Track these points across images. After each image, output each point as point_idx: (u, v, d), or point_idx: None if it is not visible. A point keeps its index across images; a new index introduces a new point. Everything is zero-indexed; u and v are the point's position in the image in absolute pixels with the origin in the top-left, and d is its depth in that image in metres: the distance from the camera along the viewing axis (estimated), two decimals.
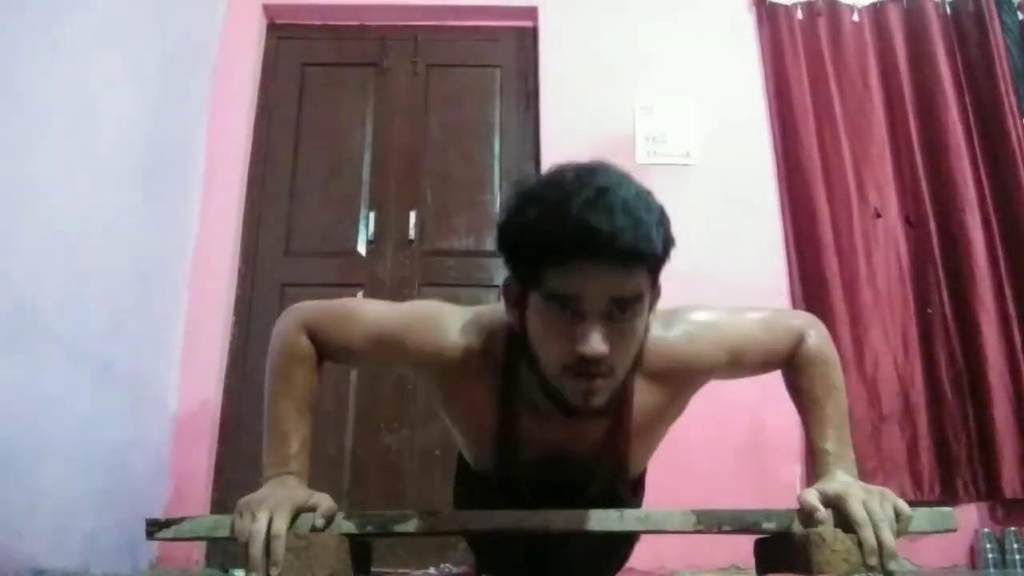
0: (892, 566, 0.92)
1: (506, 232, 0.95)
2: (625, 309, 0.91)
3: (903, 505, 0.96)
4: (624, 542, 1.35)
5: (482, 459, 1.19)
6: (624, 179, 0.92)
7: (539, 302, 0.93)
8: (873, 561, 0.91)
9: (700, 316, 1.14)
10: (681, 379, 1.12)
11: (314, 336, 1.13)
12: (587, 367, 0.91)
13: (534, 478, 1.13)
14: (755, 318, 1.19)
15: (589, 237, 0.86)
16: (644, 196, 0.92)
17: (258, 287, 2.84)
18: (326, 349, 1.14)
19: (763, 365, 1.19)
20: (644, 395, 1.09)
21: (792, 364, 1.17)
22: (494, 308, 1.11)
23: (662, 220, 0.92)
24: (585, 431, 1.09)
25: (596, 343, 0.89)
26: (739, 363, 1.15)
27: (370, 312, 1.15)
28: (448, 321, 1.10)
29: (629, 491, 1.21)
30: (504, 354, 1.07)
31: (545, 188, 0.92)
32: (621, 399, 1.07)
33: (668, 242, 0.94)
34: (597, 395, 0.94)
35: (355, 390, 2.71)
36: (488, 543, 1.36)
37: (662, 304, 1.08)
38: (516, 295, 0.98)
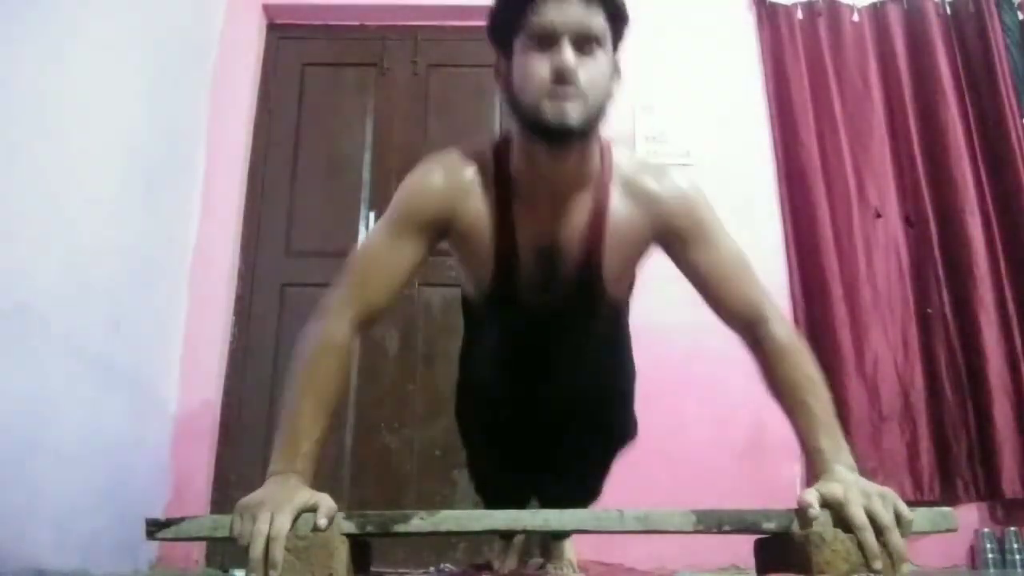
0: (904, 569, 0.91)
1: (493, 6, 1.16)
2: (591, 43, 1.10)
3: (903, 508, 0.95)
4: (604, 412, 1.41)
5: (482, 275, 1.26)
6: None
7: (522, 43, 1.12)
8: (878, 565, 0.91)
9: (688, 179, 1.25)
10: (645, 213, 1.22)
11: (354, 298, 1.16)
12: (562, 81, 1.07)
13: (528, 283, 1.24)
14: (735, 245, 1.24)
15: None
16: None
17: (258, 287, 2.84)
18: (373, 293, 1.18)
19: (715, 283, 1.21)
20: (616, 204, 1.21)
21: (763, 348, 1.15)
22: (475, 138, 1.30)
23: None
24: (569, 218, 1.20)
25: (569, 57, 1.07)
26: (694, 247, 1.21)
27: (372, 232, 1.25)
28: (435, 163, 1.24)
29: (607, 303, 1.29)
30: (492, 154, 1.22)
31: None
32: (599, 193, 1.20)
33: (625, 6, 1.15)
34: (570, 106, 1.08)
35: (355, 390, 2.71)
36: (489, 429, 1.46)
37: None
38: (504, 66, 1.17)
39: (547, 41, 1.09)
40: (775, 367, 1.14)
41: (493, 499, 1.61)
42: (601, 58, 1.11)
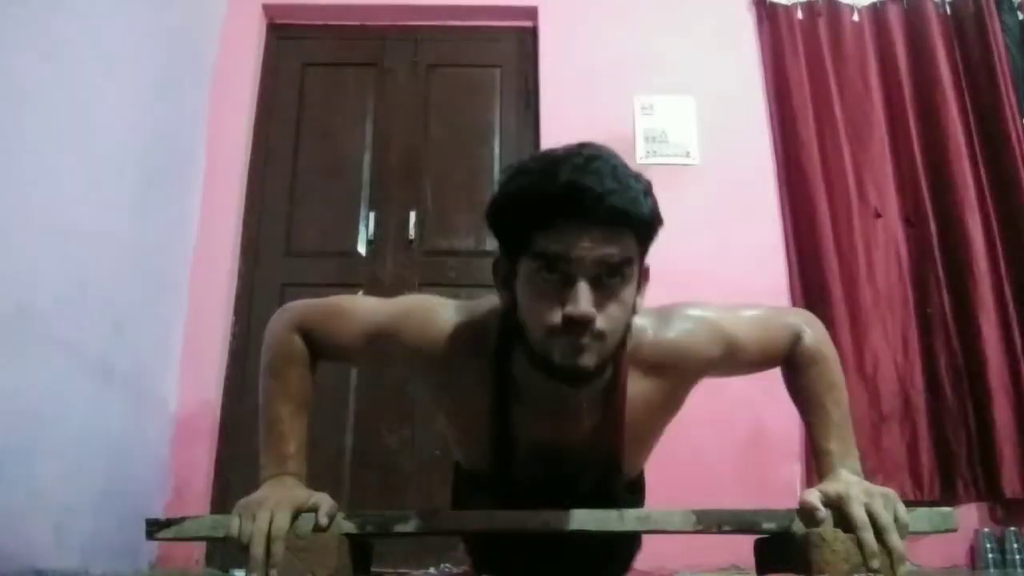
0: (901, 570, 0.91)
1: (497, 201, 0.96)
2: (613, 274, 0.91)
3: (902, 510, 0.96)
4: (622, 546, 1.34)
5: (476, 458, 1.18)
6: (613, 153, 0.95)
7: (528, 267, 0.93)
8: (876, 564, 0.91)
9: (696, 311, 1.14)
10: (675, 373, 1.12)
11: (307, 335, 1.13)
12: (575, 329, 0.90)
13: (528, 475, 1.13)
14: (751, 315, 1.19)
15: (578, 197, 0.88)
16: (631, 170, 0.94)
17: (258, 287, 2.84)
18: (320, 347, 1.14)
19: (759, 363, 1.19)
20: (637, 387, 1.09)
21: (790, 363, 1.17)
22: (485, 300, 1.12)
23: (649, 192, 0.94)
24: (578, 421, 1.09)
25: (584, 304, 0.89)
26: (734, 359, 1.15)
27: (361, 308, 1.15)
28: (439, 311, 1.11)
29: (625, 491, 1.20)
30: (496, 340, 1.07)
31: (535, 160, 0.96)
32: (613, 388, 1.06)
33: (656, 215, 0.95)
34: (585, 354, 0.92)
35: (355, 390, 2.72)
36: (487, 550, 1.35)
37: (659, 302, 1.07)
38: (505, 270, 1.00)
39: (559, 271, 0.90)
40: (799, 373, 1.15)
41: None
42: (625, 286, 0.93)
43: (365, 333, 1.11)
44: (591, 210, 0.88)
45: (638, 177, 0.94)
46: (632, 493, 1.27)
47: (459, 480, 1.34)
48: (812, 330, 1.18)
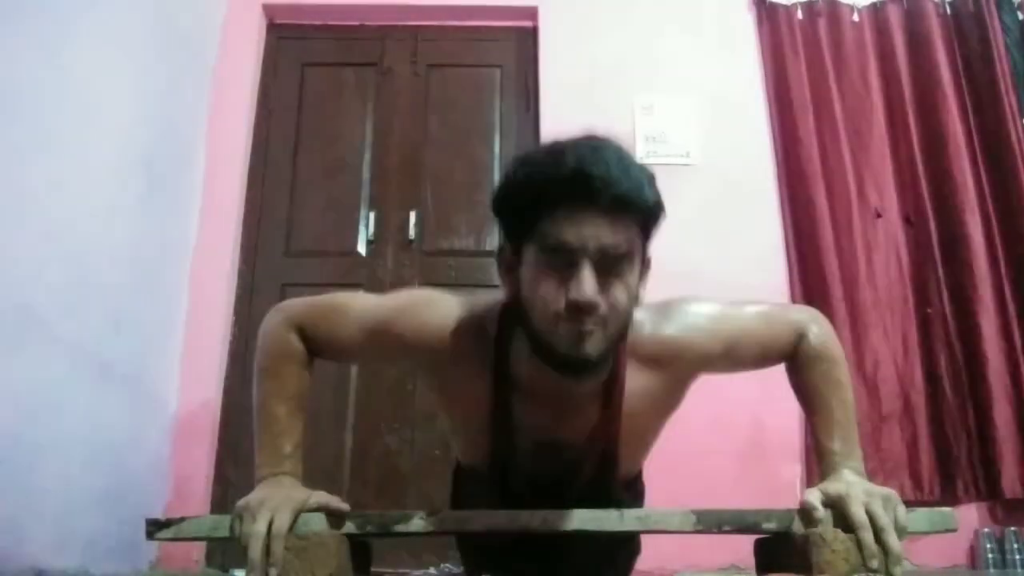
0: (897, 571, 0.91)
1: (503, 189, 0.98)
2: (616, 261, 0.93)
3: (902, 512, 0.95)
4: (621, 550, 1.33)
5: (475, 451, 1.18)
6: (618, 143, 0.97)
7: (533, 254, 0.95)
8: (875, 564, 0.91)
9: (698, 307, 1.14)
10: (674, 368, 1.12)
11: (304, 333, 1.12)
12: (578, 315, 0.91)
13: (525, 469, 1.13)
14: (754, 311, 1.18)
15: (584, 183, 0.89)
16: (635, 160, 0.97)
17: (258, 287, 2.84)
18: (316, 345, 1.13)
19: (761, 359, 1.18)
20: (636, 381, 1.08)
21: (795, 361, 1.16)
22: (484, 294, 1.15)
23: (652, 181, 0.96)
24: (576, 414, 1.09)
25: (588, 289, 0.90)
26: (735, 355, 1.14)
27: (359, 304, 1.15)
28: (438, 304, 1.11)
29: (623, 489, 1.20)
30: (496, 331, 1.07)
31: (541, 148, 0.98)
32: (612, 381, 1.06)
33: (658, 203, 0.96)
34: (588, 341, 0.93)
35: (355, 390, 2.71)
36: (483, 553, 1.34)
37: (660, 298, 1.07)
38: (510, 258, 1.01)
39: (564, 257, 0.92)
40: (804, 371, 1.14)
41: None
42: (628, 274, 0.95)
43: (363, 329, 1.11)
44: (596, 197, 0.90)
45: (641, 166, 0.96)
46: (630, 492, 1.26)
47: (458, 479, 1.35)
48: (818, 327, 1.17)
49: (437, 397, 1.19)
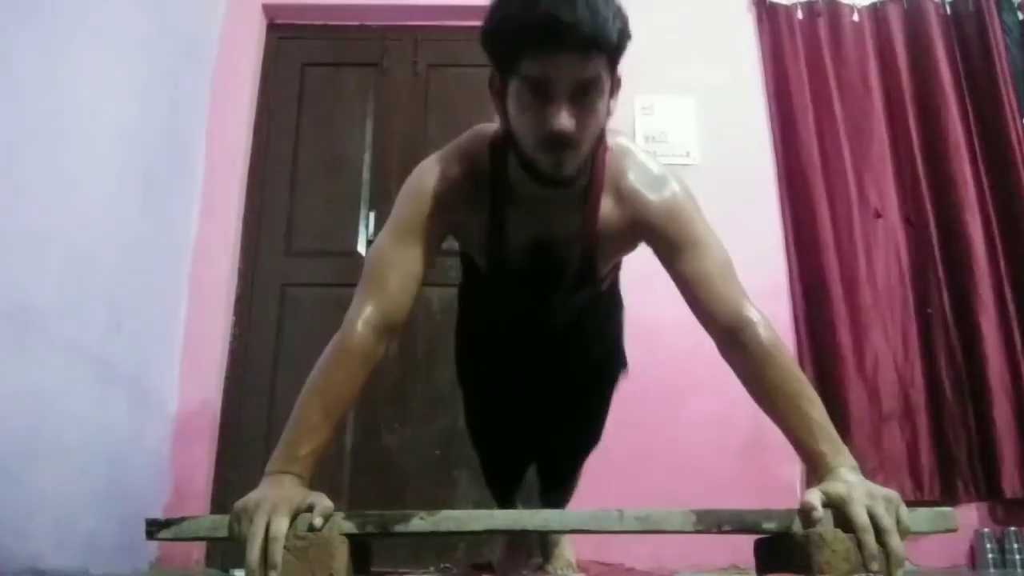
0: (898, 573, 0.91)
1: (487, 29, 1.10)
2: (587, 92, 1.06)
3: (904, 513, 0.95)
4: (601, 349, 1.48)
5: (478, 259, 1.35)
6: None
7: (515, 87, 1.08)
8: (875, 567, 0.90)
9: (682, 190, 1.24)
10: (633, 218, 1.22)
11: (372, 304, 1.15)
12: (556, 140, 1.06)
13: (520, 266, 1.28)
14: (721, 255, 1.22)
15: (554, 27, 1.00)
16: None
17: (258, 287, 2.84)
18: (395, 306, 1.17)
19: (697, 285, 1.18)
20: (607, 208, 1.23)
21: (742, 344, 1.12)
22: (468, 132, 1.31)
23: (619, 13, 1.07)
24: (561, 216, 1.23)
25: (563, 120, 1.04)
26: (678, 253, 1.19)
27: (384, 236, 1.25)
28: (428, 165, 1.26)
29: (599, 284, 1.36)
30: (488, 155, 1.24)
31: None
32: (590, 187, 1.21)
33: (624, 33, 1.08)
34: (565, 164, 1.09)
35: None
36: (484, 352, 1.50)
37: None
38: (498, 86, 1.15)
39: (541, 91, 1.05)
40: (761, 372, 1.12)
41: (492, 454, 1.64)
42: (599, 100, 1.09)
43: (399, 242, 1.21)
44: (566, 40, 1.01)
45: (608, 2, 1.05)
46: (607, 286, 1.42)
47: (463, 287, 1.52)
48: (767, 323, 1.14)
49: (454, 234, 1.32)
